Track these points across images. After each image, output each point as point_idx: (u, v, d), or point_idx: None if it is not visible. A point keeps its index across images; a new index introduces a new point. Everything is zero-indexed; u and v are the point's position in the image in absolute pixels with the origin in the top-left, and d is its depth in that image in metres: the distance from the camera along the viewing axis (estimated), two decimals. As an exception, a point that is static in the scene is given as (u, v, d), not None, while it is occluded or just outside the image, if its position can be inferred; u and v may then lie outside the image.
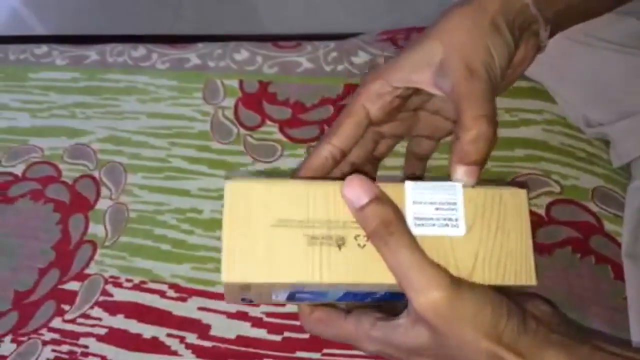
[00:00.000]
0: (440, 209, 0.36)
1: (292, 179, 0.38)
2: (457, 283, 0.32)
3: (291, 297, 0.39)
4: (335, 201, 0.36)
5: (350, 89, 0.66)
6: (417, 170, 0.46)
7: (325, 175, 0.41)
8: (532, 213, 0.53)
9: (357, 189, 0.34)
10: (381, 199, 0.34)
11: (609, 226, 0.52)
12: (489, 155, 0.36)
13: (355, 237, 0.35)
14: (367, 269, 0.35)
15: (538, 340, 0.33)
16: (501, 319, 0.32)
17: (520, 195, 0.37)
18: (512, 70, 0.40)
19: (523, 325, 0.33)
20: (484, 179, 0.38)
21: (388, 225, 0.33)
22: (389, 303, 0.40)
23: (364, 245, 0.35)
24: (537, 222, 0.53)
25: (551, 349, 0.33)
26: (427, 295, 0.32)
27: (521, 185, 0.41)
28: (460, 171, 0.35)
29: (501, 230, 0.36)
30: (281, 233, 0.35)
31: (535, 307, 0.36)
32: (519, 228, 0.37)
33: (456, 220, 0.36)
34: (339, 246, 0.35)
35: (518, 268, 0.36)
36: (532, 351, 0.33)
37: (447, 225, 0.35)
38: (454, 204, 0.36)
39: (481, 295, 0.33)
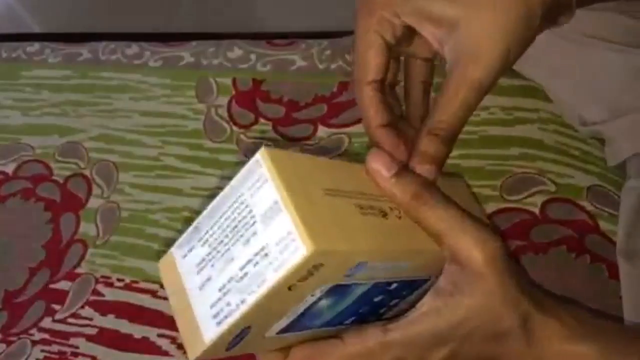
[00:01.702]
0: None
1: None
2: None
3: (287, 329, 0.34)
4: (361, 179, 0.34)
5: (344, 87, 0.66)
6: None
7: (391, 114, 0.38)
8: (527, 212, 0.53)
9: (383, 160, 0.33)
10: (407, 168, 0.33)
11: (604, 225, 0.52)
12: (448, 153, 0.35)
13: (391, 209, 0.34)
14: (413, 236, 0.34)
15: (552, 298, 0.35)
16: (523, 272, 0.34)
17: (463, 183, 0.41)
18: None
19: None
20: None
21: (423, 190, 0.33)
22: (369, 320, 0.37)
23: (401, 217, 0.34)
24: (531, 221, 0.53)
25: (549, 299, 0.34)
26: (487, 248, 0.32)
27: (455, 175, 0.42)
28: (420, 171, 0.34)
29: (465, 202, 0.36)
30: (336, 201, 0.31)
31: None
32: (477, 209, 0.39)
33: None
34: (384, 216, 0.33)
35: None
36: (542, 302, 0.34)
37: None
38: None
39: (513, 261, 0.34)
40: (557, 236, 0.52)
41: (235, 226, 0.30)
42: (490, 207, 0.54)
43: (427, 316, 0.33)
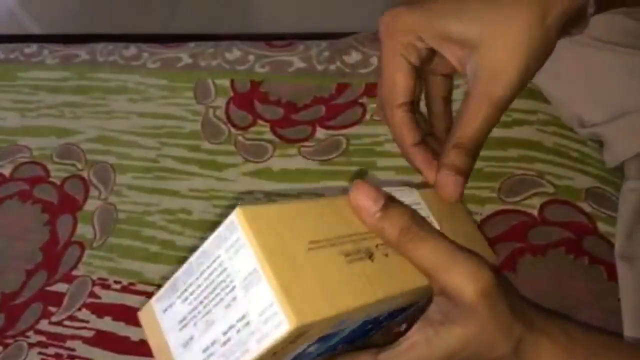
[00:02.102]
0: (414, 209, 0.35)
1: (291, 201, 0.33)
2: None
3: None
4: (346, 215, 0.33)
5: (343, 89, 0.65)
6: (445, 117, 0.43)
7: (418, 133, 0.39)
8: (525, 214, 0.53)
9: (368, 194, 0.32)
10: (393, 200, 0.33)
11: (602, 227, 0.52)
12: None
13: (377, 247, 0.33)
14: (403, 275, 0.33)
15: (543, 315, 0.34)
16: (515, 294, 0.33)
17: None
18: None
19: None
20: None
21: (411, 225, 0.32)
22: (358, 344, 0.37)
23: (388, 254, 0.33)
24: (530, 223, 0.53)
25: (540, 317, 0.34)
26: (478, 281, 0.31)
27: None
28: (450, 181, 0.36)
29: (458, 221, 0.37)
30: (320, 256, 0.30)
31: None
32: (463, 215, 0.38)
33: (429, 217, 0.36)
34: (371, 258, 0.32)
35: (481, 250, 0.36)
36: (533, 321, 0.33)
37: None
38: (419, 204, 0.36)
39: (503, 280, 0.33)
40: (556, 238, 0.52)
41: (215, 288, 0.29)
42: (489, 209, 0.54)
43: (417, 345, 0.32)
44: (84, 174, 0.65)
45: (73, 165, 0.66)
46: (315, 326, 0.28)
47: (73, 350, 0.54)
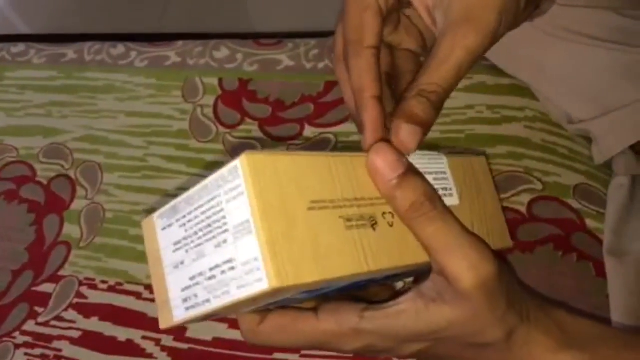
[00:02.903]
0: (437, 179, 0.34)
1: (308, 152, 0.31)
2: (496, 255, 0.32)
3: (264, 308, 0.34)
4: (358, 176, 0.31)
5: (331, 87, 0.65)
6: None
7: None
8: (514, 211, 0.53)
9: (387, 158, 0.30)
10: (412, 170, 0.31)
11: (590, 223, 0.52)
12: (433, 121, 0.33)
13: (384, 215, 0.32)
14: (404, 249, 0.32)
15: (538, 303, 0.34)
16: (514, 285, 0.32)
17: (483, 161, 0.37)
18: None
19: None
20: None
21: (424, 201, 0.31)
22: (360, 291, 0.37)
23: (393, 224, 0.32)
24: (518, 220, 0.53)
25: (548, 316, 0.33)
26: (480, 271, 0.30)
27: (478, 153, 0.40)
28: (405, 130, 0.32)
29: (482, 197, 0.36)
30: (319, 218, 0.29)
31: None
32: (491, 193, 0.36)
33: (450, 189, 0.34)
34: (373, 227, 0.31)
35: (498, 233, 0.35)
36: (529, 313, 0.33)
37: (444, 195, 0.33)
38: (444, 173, 0.35)
39: (506, 268, 0.32)
40: (544, 234, 0.51)
41: (209, 225, 0.29)
42: (477, 206, 0.54)
43: (405, 314, 0.32)
44: (71, 174, 0.65)
45: (60, 164, 0.66)
46: (298, 287, 0.28)
47: (60, 350, 0.54)
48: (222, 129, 0.65)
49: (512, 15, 0.34)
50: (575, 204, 0.53)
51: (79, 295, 0.56)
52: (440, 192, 0.32)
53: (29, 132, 0.69)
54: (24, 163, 0.67)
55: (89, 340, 0.54)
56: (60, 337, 0.54)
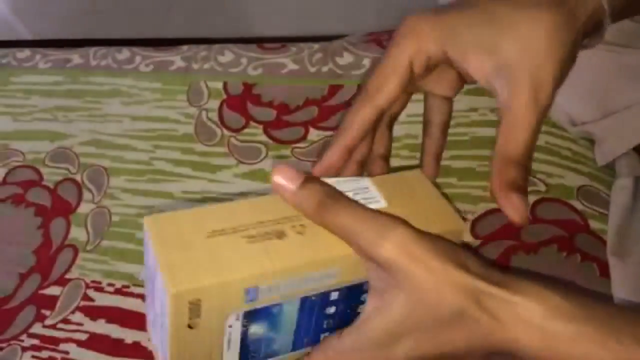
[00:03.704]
0: (357, 194, 0.37)
1: (212, 206, 0.38)
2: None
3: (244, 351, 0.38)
4: (263, 206, 0.37)
5: (335, 90, 0.66)
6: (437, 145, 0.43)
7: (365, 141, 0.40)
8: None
9: (287, 174, 0.35)
10: (312, 178, 0.35)
11: (594, 224, 0.52)
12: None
13: (292, 227, 0.36)
14: (314, 247, 0.35)
15: (507, 274, 0.32)
16: (459, 250, 0.32)
17: (417, 172, 0.41)
18: None
19: (483, 260, 0.32)
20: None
21: (328, 197, 0.34)
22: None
23: (303, 232, 0.36)
24: (522, 221, 0.53)
25: (526, 280, 0.31)
26: (390, 236, 0.31)
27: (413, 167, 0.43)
28: (517, 199, 0.35)
29: (416, 197, 0.38)
30: (218, 241, 0.35)
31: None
32: (428, 192, 0.39)
33: (375, 197, 0.38)
34: (280, 237, 0.35)
35: (442, 219, 0.37)
36: (506, 281, 0.31)
37: (369, 202, 0.37)
38: (366, 188, 0.38)
39: (433, 235, 0.33)
40: (548, 236, 0.52)
41: (150, 272, 0.38)
42: (482, 208, 0.55)
43: (370, 318, 0.33)
44: (77, 178, 0.65)
45: (66, 168, 0.66)
46: (208, 295, 0.33)
47: (67, 353, 0.54)
48: (227, 133, 0.65)
49: (569, 66, 0.36)
50: (578, 205, 0.53)
51: (86, 298, 0.57)
52: (363, 201, 0.36)
53: (35, 137, 0.70)
54: (31, 167, 0.67)
55: (96, 343, 0.54)
56: (67, 340, 0.54)
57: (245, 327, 0.36)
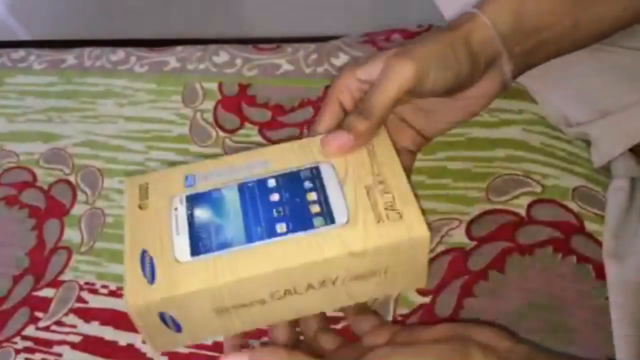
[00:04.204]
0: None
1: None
2: None
3: (196, 251, 0.39)
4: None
5: (331, 91, 0.65)
6: None
7: None
8: (513, 213, 0.53)
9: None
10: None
11: (590, 226, 0.52)
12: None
13: None
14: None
15: None
16: None
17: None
18: (475, 100, 0.44)
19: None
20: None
21: None
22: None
23: None
24: (517, 222, 0.53)
25: None
26: None
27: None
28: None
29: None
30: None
31: (480, 333, 0.38)
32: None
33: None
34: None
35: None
36: None
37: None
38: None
39: None
40: (543, 237, 0.52)
41: None
42: (477, 209, 0.54)
43: None
44: (72, 179, 0.65)
45: (60, 170, 0.66)
46: (151, 179, 0.42)
47: (60, 355, 0.54)
48: (222, 134, 0.65)
49: (444, 69, 0.40)
50: (574, 206, 0.53)
51: (80, 299, 0.56)
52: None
53: (29, 138, 0.69)
54: (24, 168, 0.67)
55: (90, 345, 0.54)
56: (60, 342, 0.54)
57: (189, 210, 0.39)
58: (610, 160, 0.54)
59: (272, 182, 0.40)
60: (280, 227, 0.38)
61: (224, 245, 0.37)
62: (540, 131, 0.58)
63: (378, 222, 0.37)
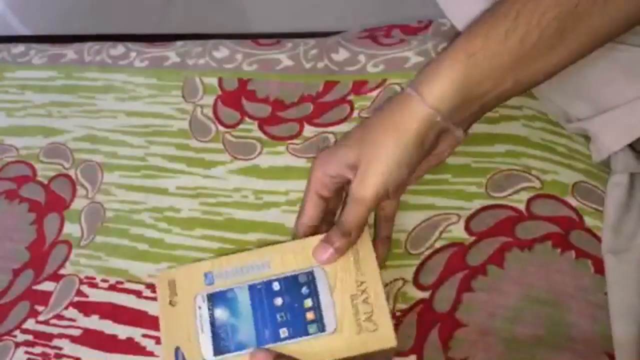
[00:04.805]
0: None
1: None
2: None
3: (219, 351, 0.45)
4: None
5: (330, 87, 0.65)
6: (386, 231, 0.52)
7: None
8: (512, 209, 0.53)
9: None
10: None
11: (589, 221, 0.52)
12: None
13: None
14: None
15: None
16: None
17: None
18: (436, 157, 0.47)
19: None
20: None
21: None
22: None
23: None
24: (517, 218, 0.53)
25: None
26: None
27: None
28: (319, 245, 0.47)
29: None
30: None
31: None
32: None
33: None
34: None
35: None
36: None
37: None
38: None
39: None
40: (543, 232, 0.52)
41: None
42: (476, 204, 0.54)
43: None
44: (71, 173, 0.65)
45: (60, 164, 0.66)
46: (177, 275, 0.47)
47: (60, 349, 0.54)
48: (221, 129, 0.65)
49: (408, 164, 0.44)
50: (573, 201, 0.53)
51: (80, 293, 0.56)
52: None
53: (29, 132, 0.69)
54: (24, 163, 0.67)
55: (89, 339, 0.54)
56: (60, 336, 0.54)
57: (210, 310, 0.46)
58: (610, 156, 0.54)
59: (276, 286, 0.46)
60: (283, 331, 0.45)
61: (239, 347, 0.45)
62: (540, 127, 0.58)
63: (358, 333, 0.44)
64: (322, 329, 0.45)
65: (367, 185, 0.44)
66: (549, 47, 0.42)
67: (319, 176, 0.48)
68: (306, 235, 0.49)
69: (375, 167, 0.44)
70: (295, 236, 0.50)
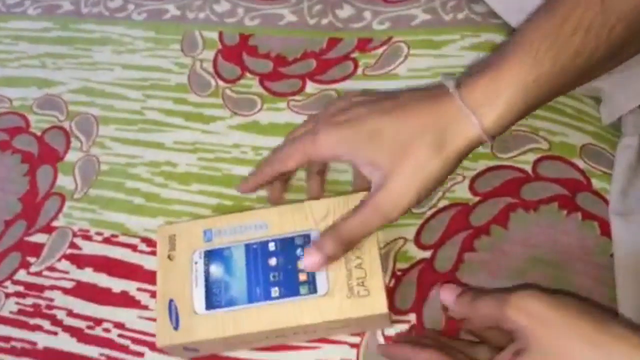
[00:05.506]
0: None
1: None
2: None
3: (212, 304, 0.46)
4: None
5: (334, 43, 0.64)
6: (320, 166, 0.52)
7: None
8: (519, 170, 0.52)
9: (450, 290, 0.44)
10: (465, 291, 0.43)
11: (596, 183, 0.51)
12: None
13: None
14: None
15: None
16: None
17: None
18: None
19: None
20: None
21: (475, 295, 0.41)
22: None
23: None
24: (523, 179, 0.52)
25: None
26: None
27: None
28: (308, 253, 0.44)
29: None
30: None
31: None
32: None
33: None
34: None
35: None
36: None
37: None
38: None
39: None
40: (549, 194, 0.51)
41: None
42: (482, 165, 0.53)
43: None
44: (66, 125, 0.63)
45: (54, 116, 0.64)
46: (178, 231, 0.48)
47: (52, 300, 0.53)
48: (221, 84, 0.63)
49: (435, 184, 0.42)
50: (581, 163, 0.52)
51: (73, 246, 0.55)
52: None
53: (22, 83, 0.67)
54: (18, 114, 0.65)
55: (82, 291, 0.53)
56: (52, 287, 0.53)
57: (206, 265, 0.46)
58: (620, 118, 0.52)
59: (272, 246, 0.47)
60: (275, 290, 0.45)
61: (230, 303, 0.45)
62: (549, 87, 0.56)
63: (349, 297, 0.44)
64: (313, 290, 0.45)
65: (398, 204, 0.41)
66: (611, 57, 0.40)
67: (322, 152, 0.45)
68: (246, 192, 0.51)
69: (414, 184, 0.41)
70: (238, 188, 0.52)
